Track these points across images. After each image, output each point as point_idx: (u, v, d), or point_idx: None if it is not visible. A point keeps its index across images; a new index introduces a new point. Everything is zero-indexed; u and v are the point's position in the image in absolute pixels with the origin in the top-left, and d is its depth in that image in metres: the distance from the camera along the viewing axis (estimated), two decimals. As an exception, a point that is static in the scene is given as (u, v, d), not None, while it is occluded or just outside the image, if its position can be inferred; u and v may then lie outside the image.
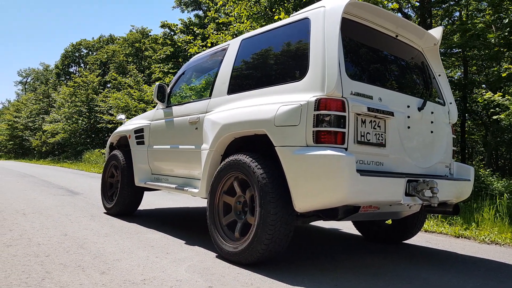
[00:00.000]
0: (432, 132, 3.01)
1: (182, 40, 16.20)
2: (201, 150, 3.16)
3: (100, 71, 31.83)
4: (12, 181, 8.20)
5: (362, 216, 2.71)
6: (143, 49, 29.02)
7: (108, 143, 4.95)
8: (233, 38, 12.57)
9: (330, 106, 2.35)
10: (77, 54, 44.31)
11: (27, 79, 56.85)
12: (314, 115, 2.35)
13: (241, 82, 3.19)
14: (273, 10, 11.19)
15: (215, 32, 12.81)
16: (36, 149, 30.23)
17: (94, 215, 4.32)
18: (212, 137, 2.99)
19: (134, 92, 18.39)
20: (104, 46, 37.93)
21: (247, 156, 2.64)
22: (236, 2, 11.27)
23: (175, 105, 3.90)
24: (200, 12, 25.75)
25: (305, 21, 2.73)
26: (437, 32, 3.33)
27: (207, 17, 18.48)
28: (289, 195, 2.41)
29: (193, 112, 3.49)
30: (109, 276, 2.29)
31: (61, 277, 2.22)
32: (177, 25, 21.24)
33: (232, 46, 3.42)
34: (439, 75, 3.36)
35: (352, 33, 2.76)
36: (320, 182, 2.29)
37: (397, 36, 3.10)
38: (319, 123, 2.34)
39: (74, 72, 43.30)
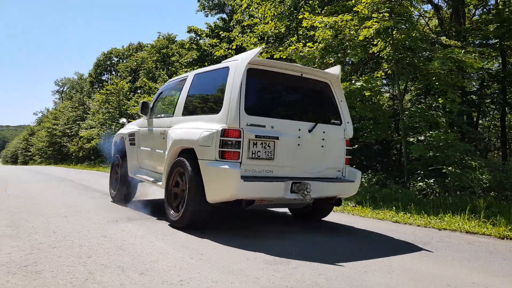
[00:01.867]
0: (322, 146, 3.98)
1: (208, 44, 16.42)
2: (165, 154, 4.23)
3: (130, 77, 32.79)
4: (52, 186, 8.61)
5: (260, 206, 3.75)
6: (170, 54, 29.64)
7: (113, 141, 6.22)
8: (258, 40, 12.61)
9: (231, 134, 3.46)
10: (108, 63, 45.83)
11: (64, 88, 59.48)
12: (220, 139, 3.47)
13: (190, 108, 4.36)
14: (298, 9, 11.14)
15: (240, 35, 12.91)
16: (73, 154, 31.55)
17: (130, 217, 4.46)
18: (169, 147, 4.16)
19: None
20: (134, 53, 39.05)
21: (185, 159, 3.83)
22: (261, 3, 11.31)
23: (154, 117, 5.14)
24: (224, 16, 25.94)
25: (226, 69, 3.80)
26: (335, 70, 4.27)
27: (232, 21, 18.64)
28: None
29: (162, 125, 4.70)
30: (148, 276, 2.37)
31: (103, 278, 2.32)
32: (203, 30, 21.56)
33: (189, 78, 4.56)
34: (341, 101, 4.27)
35: (258, 77, 3.78)
36: (220, 184, 3.49)
37: (302, 74, 4.01)
38: (223, 145, 3.47)
39: (106, 79, 44.89)
